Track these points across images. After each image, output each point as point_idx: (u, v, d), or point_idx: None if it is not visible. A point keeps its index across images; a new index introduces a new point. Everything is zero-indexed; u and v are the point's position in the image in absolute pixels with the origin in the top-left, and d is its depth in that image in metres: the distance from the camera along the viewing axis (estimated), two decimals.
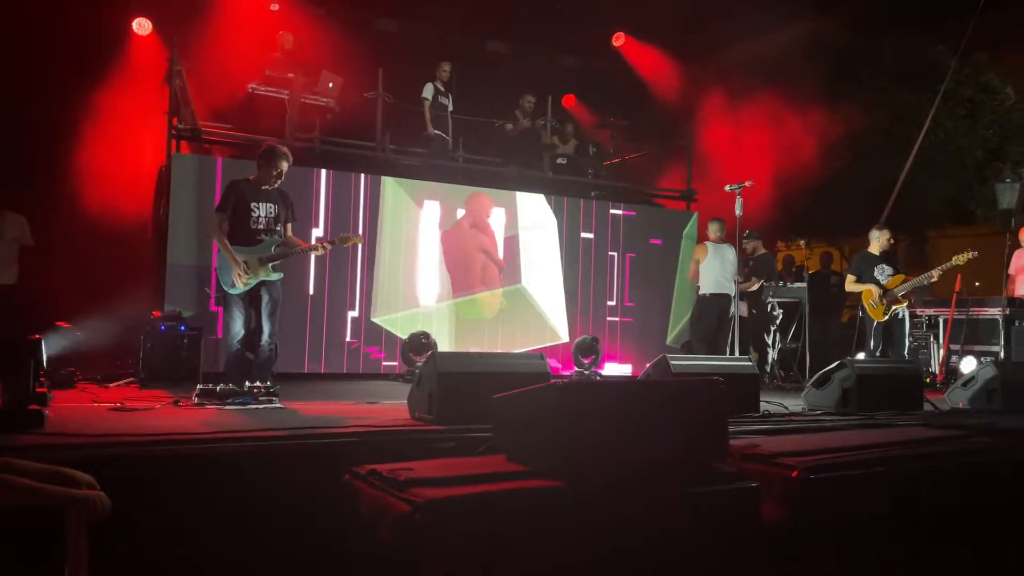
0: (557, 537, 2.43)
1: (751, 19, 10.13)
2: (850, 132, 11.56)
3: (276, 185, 5.51)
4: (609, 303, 9.13)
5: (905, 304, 7.46)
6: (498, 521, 2.37)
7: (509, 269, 8.64)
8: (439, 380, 4.03)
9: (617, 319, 9.14)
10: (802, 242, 9.84)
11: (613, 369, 8.90)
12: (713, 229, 8.49)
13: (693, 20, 9.43)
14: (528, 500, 2.46)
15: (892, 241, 7.76)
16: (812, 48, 11.39)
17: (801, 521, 2.90)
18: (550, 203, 8.93)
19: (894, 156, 10.89)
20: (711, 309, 8.22)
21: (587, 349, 8.19)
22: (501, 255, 8.63)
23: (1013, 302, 8.47)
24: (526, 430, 2.79)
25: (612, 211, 9.28)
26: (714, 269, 8.24)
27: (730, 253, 8.20)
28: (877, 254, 7.62)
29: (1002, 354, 8.20)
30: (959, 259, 7.28)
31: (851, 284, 7.64)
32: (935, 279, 7.41)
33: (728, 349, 7.65)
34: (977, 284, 8.98)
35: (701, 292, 8.35)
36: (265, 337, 5.44)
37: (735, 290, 7.62)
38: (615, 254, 9.22)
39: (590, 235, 9.10)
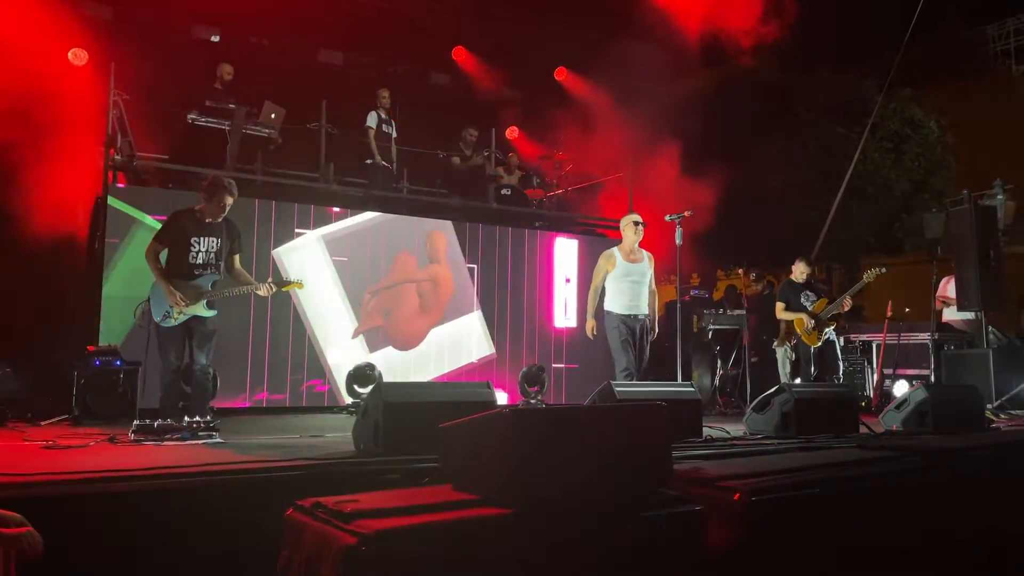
0: (504, 565, 2.42)
1: (688, 54, 10.44)
2: (785, 164, 11.96)
3: (221, 218, 5.43)
4: (555, 330, 9.19)
5: (834, 326, 7.75)
6: (445, 550, 2.36)
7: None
8: (385, 410, 3.99)
9: (563, 348, 9.20)
10: (740, 271, 10.07)
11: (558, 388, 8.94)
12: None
13: (629, 56, 9.65)
14: (475, 528, 2.45)
15: (806, 276, 8.02)
16: (748, 83, 11.79)
17: (744, 543, 2.95)
18: (493, 233, 8.98)
19: (826, 187, 11.28)
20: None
21: (533, 378, 8.21)
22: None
23: (941, 327, 8.81)
24: (472, 458, 2.79)
25: (556, 241, 9.38)
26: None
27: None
28: (800, 282, 7.93)
29: (932, 377, 8.49)
30: (869, 276, 7.65)
31: (781, 312, 7.92)
32: (847, 306, 7.74)
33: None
34: (907, 310, 9.31)
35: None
36: (198, 367, 5.33)
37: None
38: (560, 282, 9.30)
39: (534, 264, 9.17)
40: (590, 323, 6.72)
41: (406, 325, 8.40)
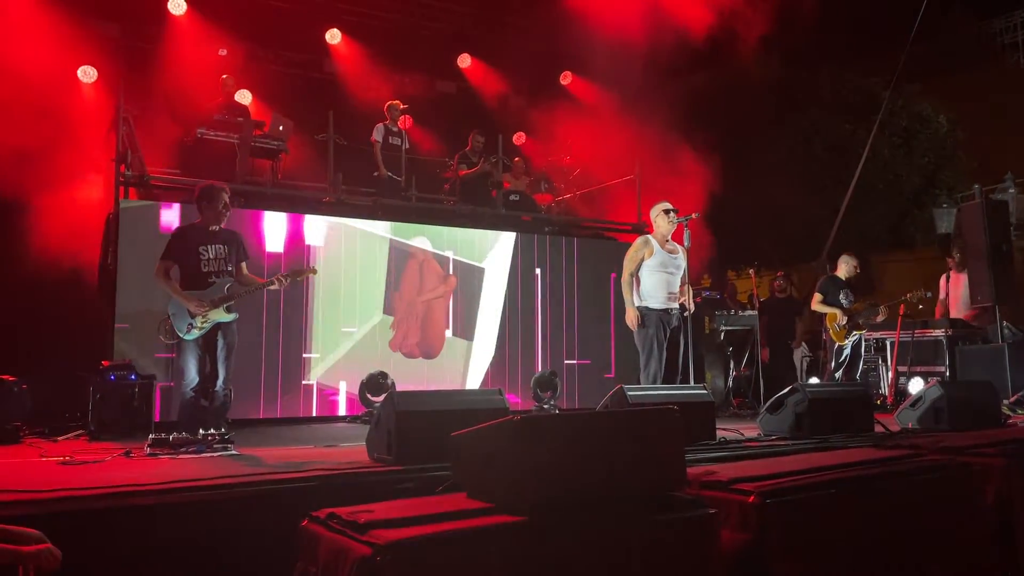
0: (519, 573, 2.42)
1: (694, 54, 10.43)
2: (793, 161, 11.92)
3: (224, 222, 5.48)
4: (566, 336, 9.17)
5: (863, 332, 7.79)
6: (461, 559, 2.36)
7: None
8: (397, 420, 4.00)
9: (575, 354, 9.18)
10: (751, 271, 10.04)
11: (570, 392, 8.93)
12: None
13: (635, 58, 9.66)
14: (490, 537, 2.45)
15: (857, 269, 8.08)
16: (754, 82, 11.76)
17: (759, 545, 2.94)
18: (501, 239, 8.98)
19: (836, 184, 11.25)
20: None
21: (546, 384, 8.20)
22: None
23: (955, 323, 8.74)
24: (485, 466, 2.79)
25: (565, 246, 9.37)
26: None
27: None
28: (843, 279, 7.96)
29: (947, 374, 8.43)
30: (913, 297, 7.70)
31: (817, 304, 7.97)
32: (883, 316, 7.80)
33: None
34: (920, 307, 9.26)
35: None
36: (219, 383, 5.36)
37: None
38: (570, 288, 9.29)
39: (544, 270, 9.16)
40: (631, 313, 6.12)
41: (438, 335, 8.48)
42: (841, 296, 7.88)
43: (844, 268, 8.09)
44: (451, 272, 8.63)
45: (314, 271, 5.82)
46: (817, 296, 8.05)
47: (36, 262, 7.44)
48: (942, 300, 9.05)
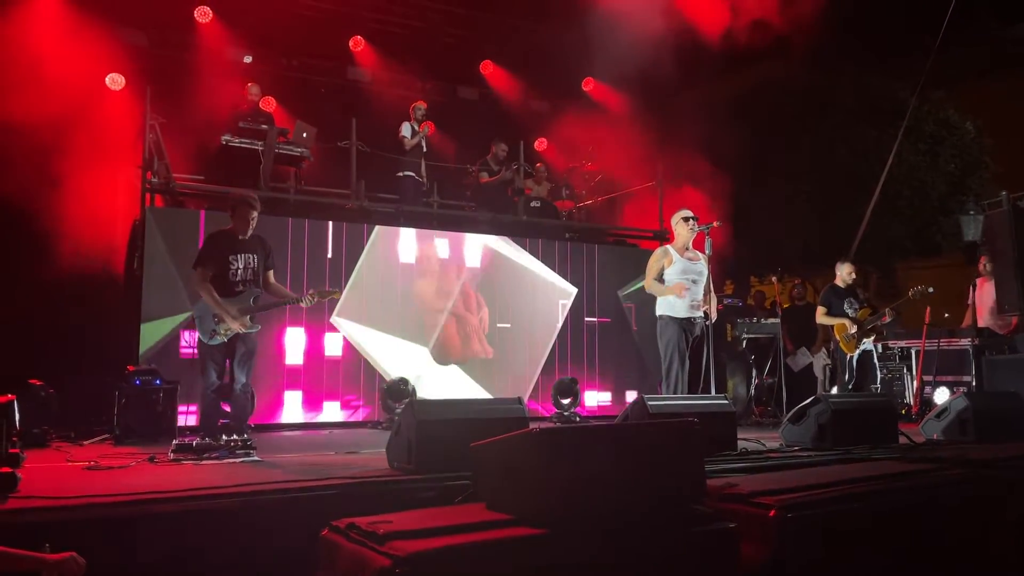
0: None
1: (716, 60, 10.38)
2: (816, 168, 11.81)
3: (251, 234, 5.52)
4: (587, 343, 9.16)
5: (873, 337, 7.60)
6: (480, 572, 2.36)
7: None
8: (418, 428, 4.01)
9: (595, 360, 9.17)
10: (774, 278, 9.96)
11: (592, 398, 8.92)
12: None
13: (657, 63, 9.62)
14: (509, 549, 2.45)
15: (854, 275, 7.85)
16: (774, 88, 11.68)
17: (780, 560, 2.92)
18: (523, 246, 8.99)
19: (860, 191, 11.13)
20: None
21: (566, 390, 8.19)
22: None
23: (981, 332, 8.61)
24: (504, 478, 2.80)
25: (587, 252, 9.35)
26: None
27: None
28: (843, 287, 7.75)
29: (973, 384, 8.31)
30: (914, 294, 7.49)
31: (822, 316, 7.75)
32: (888, 319, 7.59)
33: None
34: (946, 315, 9.14)
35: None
36: (238, 386, 5.42)
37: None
38: (591, 294, 9.27)
39: (565, 276, 9.15)
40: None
41: (473, 346, 8.59)
42: (845, 305, 7.61)
43: (844, 274, 7.80)
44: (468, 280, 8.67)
45: (337, 293, 5.86)
46: (821, 309, 7.72)
47: (63, 268, 7.55)
48: (970, 308, 8.91)
